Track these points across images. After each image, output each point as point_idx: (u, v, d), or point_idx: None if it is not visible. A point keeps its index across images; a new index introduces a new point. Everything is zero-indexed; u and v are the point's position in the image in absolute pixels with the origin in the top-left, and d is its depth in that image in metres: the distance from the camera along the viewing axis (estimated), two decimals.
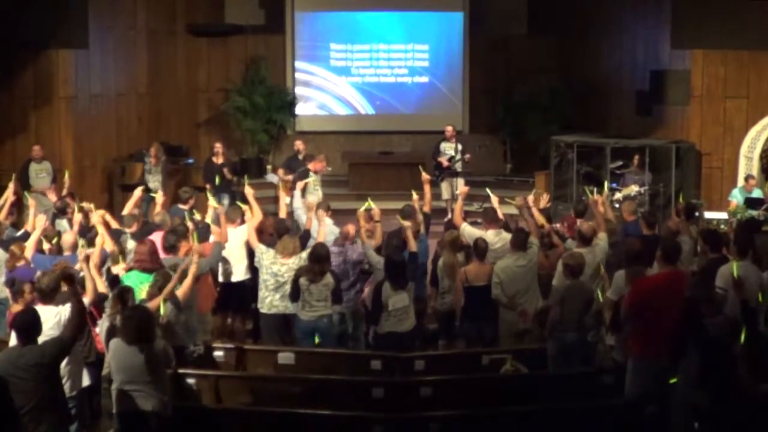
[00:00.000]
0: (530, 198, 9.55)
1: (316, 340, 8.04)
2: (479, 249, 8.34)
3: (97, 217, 8.31)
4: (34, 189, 11.78)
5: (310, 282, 8.00)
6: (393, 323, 7.90)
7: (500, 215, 9.44)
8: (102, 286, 6.85)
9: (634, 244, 7.74)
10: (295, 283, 8.07)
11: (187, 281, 7.32)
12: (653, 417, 6.47)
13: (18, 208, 9.67)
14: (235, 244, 8.90)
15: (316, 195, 11.81)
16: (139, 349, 5.92)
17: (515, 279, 8.10)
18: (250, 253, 8.83)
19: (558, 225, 10.11)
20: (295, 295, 8.11)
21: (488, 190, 10.08)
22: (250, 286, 8.87)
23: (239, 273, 9.02)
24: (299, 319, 8.14)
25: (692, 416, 6.08)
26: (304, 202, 9.41)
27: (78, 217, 8.73)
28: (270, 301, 8.32)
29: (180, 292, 7.16)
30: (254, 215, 8.92)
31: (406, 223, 8.52)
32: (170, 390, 6.19)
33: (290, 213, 10.15)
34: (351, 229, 8.94)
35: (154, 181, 12.88)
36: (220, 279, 9.03)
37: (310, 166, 12.09)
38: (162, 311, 6.77)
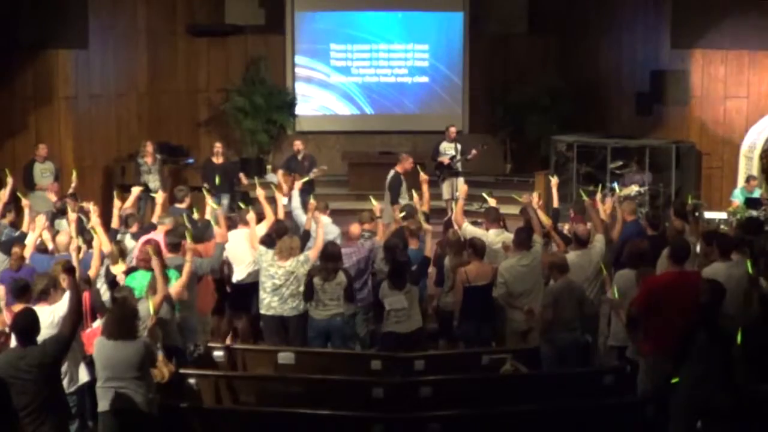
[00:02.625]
0: (534, 197, 9.54)
1: None
2: (476, 248, 8.33)
3: (95, 218, 8.31)
4: (39, 188, 11.79)
5: (323, 281, 8.04)
6: (392, 323, 7.92)
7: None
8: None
9: (640, 244, 7.75)
10: (309, 282, 8.12)
11: (181, 280, 7.32)
12: (653, 417, 6.48)
13: (17, 208, 9.66)
14: (246, 244, 8.88)
15: (405, 198, 11.53)
16: (120, 345, 5.93)
17: (520, 278, 8.08)
18: None
19: (566, 226, 10.08)
20: (309, 294, 8.16)
21: (485, 195, 10.03)
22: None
23: (248, 274, 8.99)
24: (312, 318, 8.18)
25: (695, 416, 6.08)
26: (311, 203, 9.35)
27: (73, 216, 8.71)
28: (268, 302, 8.31)
29: (173, 291, 7.16)
30: (267, 217, 8.92)
31: (428, 227, 8.54)
32: (154, 387, 6.18)
33: (288, 213, 10.13)
34: (355, 228, 8.92)
35: (154, 180, 12.78)
36: (230, 279, 9.02)
37: (398, 167, 11.80)
38: (151, 310, 6.76)
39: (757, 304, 6.48)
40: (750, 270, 6.65)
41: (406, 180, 11.59)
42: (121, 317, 6.02)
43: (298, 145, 13.38)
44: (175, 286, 7.22)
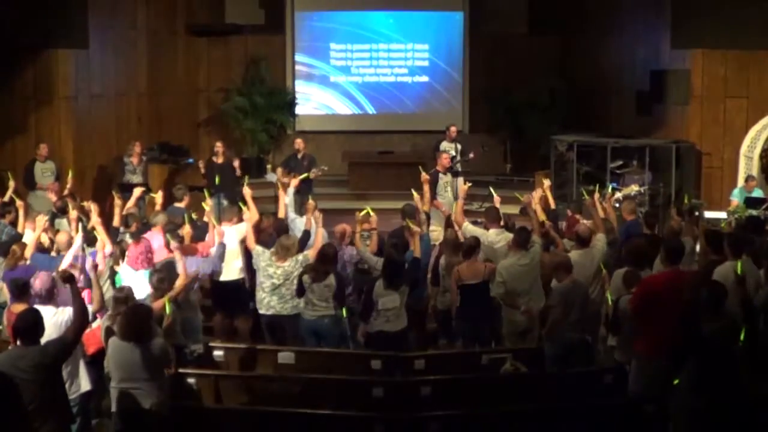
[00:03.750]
0: (535, 195, 9.54)
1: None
2: (469, 247, 8.34)
3: (95, 218, 8.31)
4: (40, 188, 11.77)
5: (312, 280, 8.02)
6: (382, 323, 7.89)
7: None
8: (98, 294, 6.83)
9: (638, 242, 7.74)
10: (300, 279, 8.11)
11: (182, 279, 7.32)
12: (653, 417, 6.48)
13: (17, 208, 9.68)
14: (230, 242, 8.88)
15: (446, 197, 11.56)
16: (136, 347, 5.91)
17: (518, 278, 8.08)
18: (246, 253, 8.82)
19: (563, 225, 10.09)
20: (300, 291, 8.15)
21: (491, 189, 10.02)
22: (246, 286, 8.86)
23: (233, 272, 9.00)
24: (302, 318, 8.17)
25: (696, 416, 6.08)
26: (308, 204, 9.32)
27: (74, 214, 8.72)
28: (267, 302, 8.31)
29: (175, 291, 7.15)
30: (251, 215, 8.91)
31: (415, 228, 8.52)
32: (169, 389, 6.18)
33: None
34: (345, 229, 8.91)
35: (137, 180, 12.75)
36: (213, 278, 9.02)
37: (439, 167, 11.91)
38: (168, 310, 6.77)
39: (739, 305, 6.48)
40: (739, 271, 6.65)
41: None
42: (136, 319, 5.97)
43: (299, 143, 13.38)
44: (177, 285, 7.22)
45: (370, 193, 14.73)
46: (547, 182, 10.21)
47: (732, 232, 8.92)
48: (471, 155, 13.39)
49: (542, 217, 9.20)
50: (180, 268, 7.38)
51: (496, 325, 8.34)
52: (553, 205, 9.89)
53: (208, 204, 9.17)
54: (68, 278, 6.32)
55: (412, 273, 8.18)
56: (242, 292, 8.94)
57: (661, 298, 6.51)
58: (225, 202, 12.35)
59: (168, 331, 6.86)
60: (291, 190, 10.26)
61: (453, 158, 13.44)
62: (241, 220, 9.03)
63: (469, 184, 10.50)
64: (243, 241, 8.81)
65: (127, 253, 7.93)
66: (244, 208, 9.15)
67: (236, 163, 12.86)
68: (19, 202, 9.33)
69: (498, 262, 8.40)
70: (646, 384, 6.51)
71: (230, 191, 12.60)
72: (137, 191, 10.11)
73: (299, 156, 13.16)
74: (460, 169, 13.48)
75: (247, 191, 9.32)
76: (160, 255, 8.16)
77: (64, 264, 7.41)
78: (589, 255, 8.18)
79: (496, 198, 9.63)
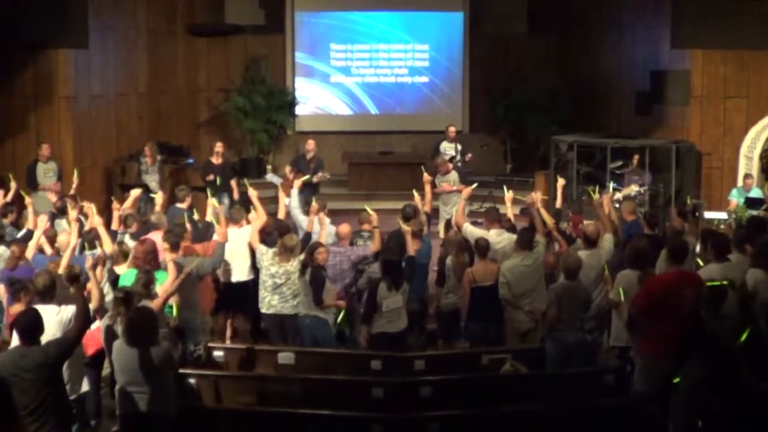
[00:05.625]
0: (538, 196, 9.49)
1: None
2: (480, 248, 8.34)
3: (96, 218, 8.31)
4: (42, 188, 11.78)
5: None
6: (384, 323, 7.90)
7: (512, 214, 9.43)
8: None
9: (639, 243, 7.74)
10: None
11: (169, 280, 7.30)
12: (654, 416, 6.48)
13: (19, 208, 9.68)
14: (239, 244, 8.89)
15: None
16: (141, 351, 5.89)
17: (522, 278, 8.08)
18: (253, 253, 8.82)
19: (565, 225, 10.07)
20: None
21: (505, 188, 9.94)
22: (253, 287, 8.87)
23: (242, 273, 9.01)
24: (299, 316, 8.22)
25: (696, 416, 6.08)
26: (312, 206, 9.31)
27: (74, 215, 8.71)
28: (269, 301, 8.33)
29: (161, 290, 7.13)
30: (259, 216, 8.92)
31: (406, 227, 8.51)
32: (175, 393, 6.17)
33: (287, 213, 10.12)
34: (344, 228, 8.91)
35: (152, 180, 12.84)
36: (222, 279, 9.03)
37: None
38: (175, 313, 6.75)
39: (737, 307, 6.47)
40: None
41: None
42: (142, 324, 5.95)
43: (310, 144, 13.30)
44: (164, 285, 7.21)
45: (370, 194, 14.73)
46: (561, 182, 10.20)
47: (716, 232, 8.89)
48: (469, 156, 13.40)
49: (548, 218, 9.16)
50: (170, 268, 7.37)
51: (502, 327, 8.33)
52: (559, 205, 9.88)
53: (215, 203, 9.15)
54: (73, 278, 6.33)
55: (408, 271, 8.19)
56: (249, 292, 8.94)
57: (666, 299, 6.51)
58: (226, 201, 12.37)
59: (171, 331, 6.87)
60: (294, 191, 10.23)
61: (453, 158, 13.47)
62: (248, 221, 9.02)
63: (475, 184, 10.52)
64: (251, 243, 8.80)
65: (132, 253, 7.91)
66: (237, 209, 9.14)
67: (233, 182, 12.86)
68: (28, 200, 9.33)
69: (499, 262, 8.39)
70: (651, 384, 6.51)
71: (228, 191, 12.63)
72: (135, 192, 10.10)
73: (308, 157, 13.13)
74: (459, 165, 13.49)
75: (252, 192, 9.33)
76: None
77: (62, 264, 7.41)
78: (596, 255, 8.14)
79: (508, 195, 9.50)
